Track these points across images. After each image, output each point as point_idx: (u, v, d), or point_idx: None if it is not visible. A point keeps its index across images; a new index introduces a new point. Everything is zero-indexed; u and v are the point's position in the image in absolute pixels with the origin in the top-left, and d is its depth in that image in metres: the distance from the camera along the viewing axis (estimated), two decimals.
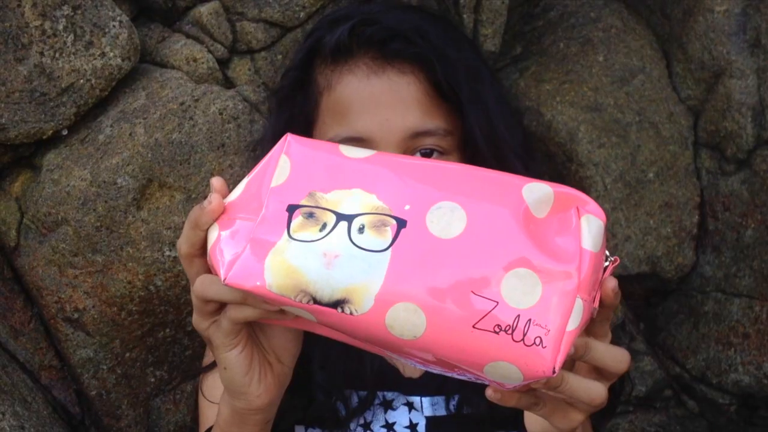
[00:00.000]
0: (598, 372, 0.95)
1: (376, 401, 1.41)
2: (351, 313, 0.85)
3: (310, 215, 0.89)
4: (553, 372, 0.82)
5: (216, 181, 0.99)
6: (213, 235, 0.94)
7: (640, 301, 2.03)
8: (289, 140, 0.96)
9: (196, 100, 1.66)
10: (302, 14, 1.75)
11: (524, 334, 0.80)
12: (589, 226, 0.85)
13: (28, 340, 1.71)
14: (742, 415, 1.96)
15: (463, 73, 1.43)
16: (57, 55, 1.61)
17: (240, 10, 1.75)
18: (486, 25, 1.79)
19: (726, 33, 1.88)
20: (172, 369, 1.76)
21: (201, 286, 0.97)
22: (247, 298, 0.93)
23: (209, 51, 1.75)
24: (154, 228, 1.63)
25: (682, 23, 1.93)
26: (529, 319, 0.81)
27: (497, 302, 0.81)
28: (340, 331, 0.90)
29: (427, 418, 1.40)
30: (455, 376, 0.91)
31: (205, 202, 0.97)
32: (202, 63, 1.74)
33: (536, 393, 0.92)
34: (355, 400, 1.40)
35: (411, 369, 1.43)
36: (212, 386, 1.40)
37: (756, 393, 1.90)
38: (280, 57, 1.77)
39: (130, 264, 1.63)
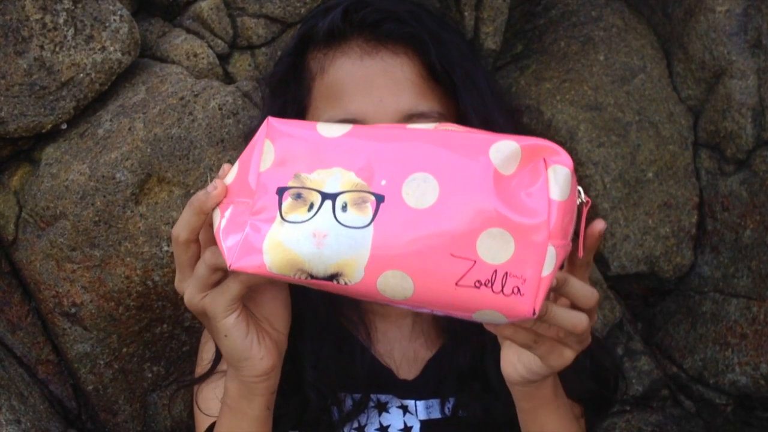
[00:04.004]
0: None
1: (370, 404, 1.40)
2: (345, 284, 0.93)
3: (298, 196, 0.96)
4: (534, 314, 0.89)
5: (228, 167, 1.05)
6: (216, 217, 1.00)
7: (638, 301, 2.04)
8: (270, 123, 1.01)
9: (196, 95, 1.66)
10: (303, 10, 1.74)
11: (503, 286, 0.88)
12: (556, 176, 0.91)
13: (25, 334, 1.71)
14: (739, 415, 1.96)
15: (457, 56, 1.42)
16: (57, 48, 1.60)
17: (241, 5, 1.75)
18: (487, 22, 1.79)
19: (727, 33, 1.87)
20: (169, 365, 1.76)
21: (214, 257, 1.02)
22: None
23: (210, 46, 1.75)
24: (152, 223, 1.63)
25: (683, 23, 1.93)
26: (506, 273, 0.88)
27: (474, 261, 0.88)
28: (339, 294, 0.98)
29: (422, 422, 1.40)
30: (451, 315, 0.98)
31: (210, 188, 1.02)
32: (203, 58, 1.74)
33: (534, 333, 0.98)
34: (348, 403, 1.39)
35: (405, 370, 1.43)
36: (207, 398, 1.39)
37: (753, 393, 1.90)
38: (280, 53, 1.77)
39: (128, 259, 1.63)
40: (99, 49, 1.63)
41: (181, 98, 1.65)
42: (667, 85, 1.94)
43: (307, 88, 1.43)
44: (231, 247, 0.97)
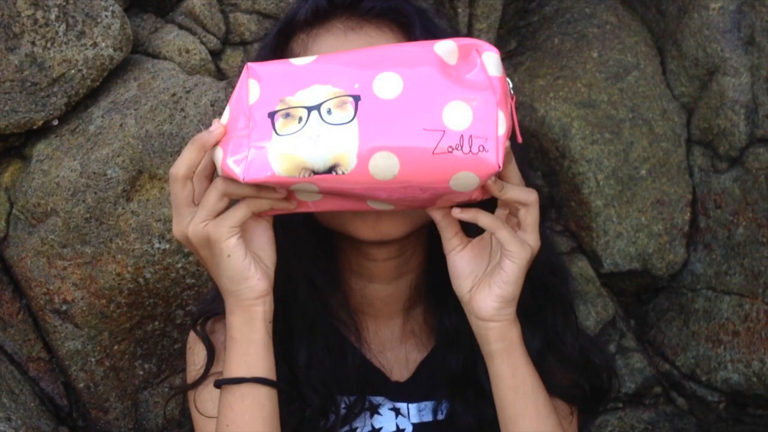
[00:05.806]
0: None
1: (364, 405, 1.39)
2: (343, 173, 1.08)
3: (287, 115, 1.11)
4: (499, 167, 1.05)
5: (217, 121, 1.14)
6: (219, 154, 1.13)
7: (631, 298, 2.04)
8: (250, 67, 1.16)
9: (188, 92, 1.65)
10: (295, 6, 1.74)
11: (470, 146, 1.05)
12: (489, 59, 1.10)
13: (16, 331, 1.70)
14: (731, 412, 1.96)
15: (442, 34, 1.41)
16: (48, 44, 1.59)
17: (233, 1, 1.74)
18: (481, 19, 1.79)
19: (720, 30, 1.88)
20: (160, 362, 1.75)
21: (225, 185, 1.12)
22: (260, 191, 1.12)
23: (202, 42, 1.74)
24: (143, 220, 1.62)
25: (677, 20, 1.93)
26: (471, 135, 1.06)
27: (444, 131, 1.06)
28: (339, 190, 1.11)
29: (414, 425, 1.39)
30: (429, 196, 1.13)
31: (213, 127, 1.11)
32: (195, 54, 1.73)
33: (498, 219, 1.14)
34: (342, 405, 1.38)
35: (398, 372, 1.42)
36: (205, 400, 1.37)
37: (745, 391, 1.90)
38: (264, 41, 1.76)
39: (120, 256, 1.62)
40: (91, 45, 1.62)
41: (173, 94, 1.64)
42: (661, 82, 1.94)
43: None
44: (240, 166, 1.11)
